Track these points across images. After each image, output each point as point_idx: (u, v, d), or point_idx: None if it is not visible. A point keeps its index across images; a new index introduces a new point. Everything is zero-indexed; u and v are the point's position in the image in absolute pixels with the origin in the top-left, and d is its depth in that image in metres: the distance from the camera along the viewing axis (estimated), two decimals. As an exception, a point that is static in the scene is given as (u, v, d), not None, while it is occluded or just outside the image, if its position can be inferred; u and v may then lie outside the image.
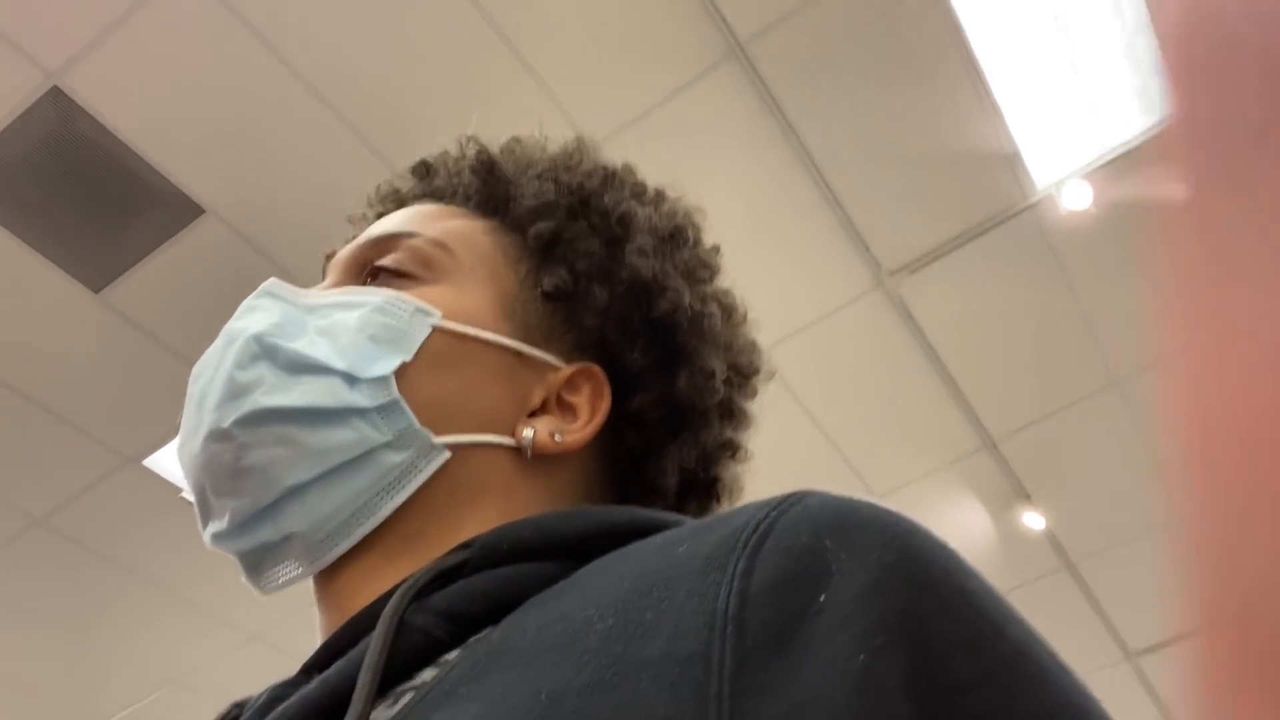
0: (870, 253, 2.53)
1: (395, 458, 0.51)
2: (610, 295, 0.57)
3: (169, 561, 2.95)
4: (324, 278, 0.62)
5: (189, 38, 1.99)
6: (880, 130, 2.27)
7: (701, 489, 0.60)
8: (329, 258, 0.66)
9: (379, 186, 0.67)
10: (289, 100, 2.09)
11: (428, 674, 0.41)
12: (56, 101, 2.04)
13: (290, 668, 0.49)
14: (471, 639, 0.43)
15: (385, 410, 0.51)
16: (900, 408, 2.93)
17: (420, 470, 0.52)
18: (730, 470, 0.61)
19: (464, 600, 0.44)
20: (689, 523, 0.41)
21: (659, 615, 0.35)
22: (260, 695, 0.46)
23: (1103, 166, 2.39)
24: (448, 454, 0.52)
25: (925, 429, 3.00)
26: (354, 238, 0.66)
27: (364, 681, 0.40)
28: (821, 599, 0.33)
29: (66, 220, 2.24)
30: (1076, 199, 2.43)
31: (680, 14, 2.07)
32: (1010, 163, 2.38)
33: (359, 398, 0.51)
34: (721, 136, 2.27)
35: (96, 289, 2.36)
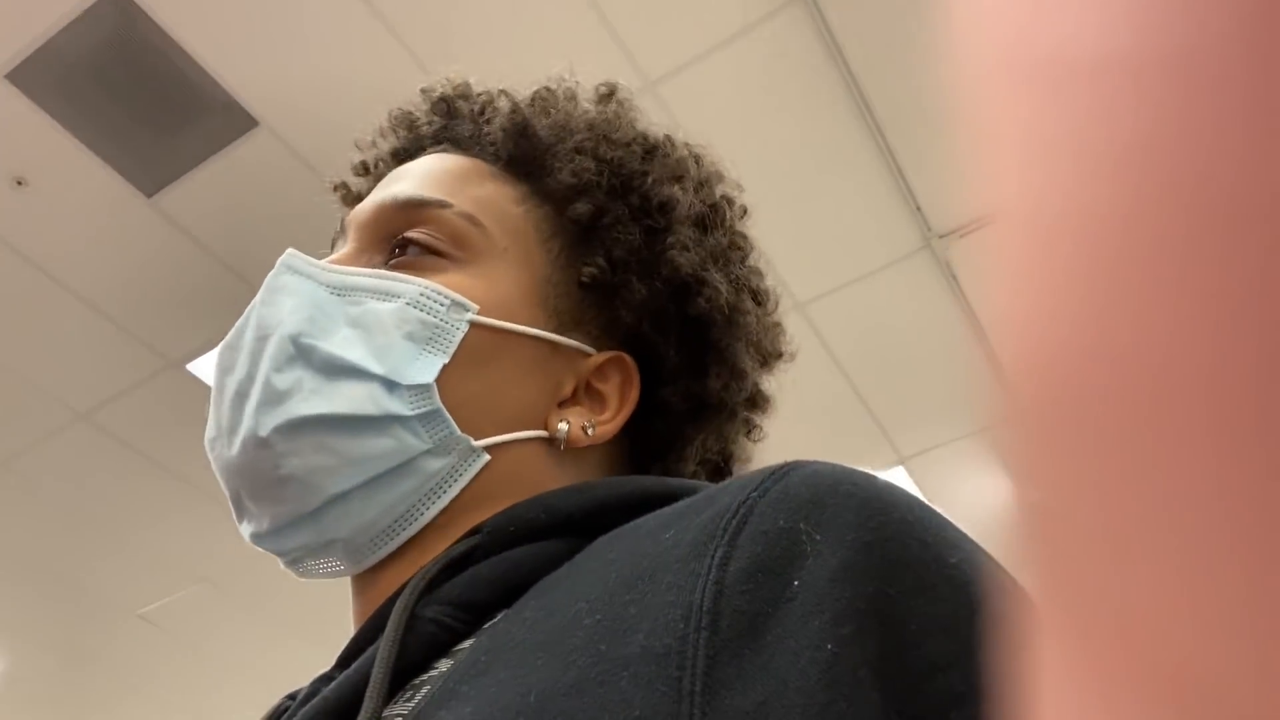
0: (921, 213, 2.49)
1: (436, 464, 0.50)
2: (648, 290, 0.56)
3: (205, 463, 3.02)
4: (340, 230, 0.59)
5: (252, -54, 1.98)
6: (944, 90, 2.22)
7: (715, 468, 0.60)
8: (339, 191, 0.63)
9: (391, 113, 0.64)
10: (350, 19, 2.08)
11: (444, 665, 0.41)
12: (118, 2, 2.04)
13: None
14: (485, 625, 0.42)
15: (426, 418, 0.50)
16: (935, 371, 2.90)
17: (461, 475, 0.51)
18: (745, 448, 0.61)
19: (473, 588, 0.44)
20: (682, 501, 0.41)
21: (641, 609, 0.34)
22: (305, 689, 0.47)
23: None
24: (488, 457, 0.51)
25: (959, 394, 2.97)
26: (363, 167, 0.63)
27: (375, 680, 0.40)
28: (795, 585, 0.32)
29: (122, 122, 2.26)
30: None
31: (748, -47, 2.02)
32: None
33: (399, 405, 0.50)
34: (782, 82, 2.23)
35: (149, 193, 2.38)
